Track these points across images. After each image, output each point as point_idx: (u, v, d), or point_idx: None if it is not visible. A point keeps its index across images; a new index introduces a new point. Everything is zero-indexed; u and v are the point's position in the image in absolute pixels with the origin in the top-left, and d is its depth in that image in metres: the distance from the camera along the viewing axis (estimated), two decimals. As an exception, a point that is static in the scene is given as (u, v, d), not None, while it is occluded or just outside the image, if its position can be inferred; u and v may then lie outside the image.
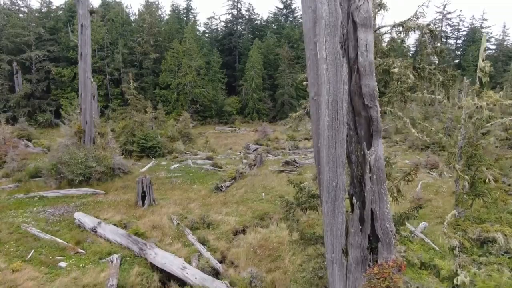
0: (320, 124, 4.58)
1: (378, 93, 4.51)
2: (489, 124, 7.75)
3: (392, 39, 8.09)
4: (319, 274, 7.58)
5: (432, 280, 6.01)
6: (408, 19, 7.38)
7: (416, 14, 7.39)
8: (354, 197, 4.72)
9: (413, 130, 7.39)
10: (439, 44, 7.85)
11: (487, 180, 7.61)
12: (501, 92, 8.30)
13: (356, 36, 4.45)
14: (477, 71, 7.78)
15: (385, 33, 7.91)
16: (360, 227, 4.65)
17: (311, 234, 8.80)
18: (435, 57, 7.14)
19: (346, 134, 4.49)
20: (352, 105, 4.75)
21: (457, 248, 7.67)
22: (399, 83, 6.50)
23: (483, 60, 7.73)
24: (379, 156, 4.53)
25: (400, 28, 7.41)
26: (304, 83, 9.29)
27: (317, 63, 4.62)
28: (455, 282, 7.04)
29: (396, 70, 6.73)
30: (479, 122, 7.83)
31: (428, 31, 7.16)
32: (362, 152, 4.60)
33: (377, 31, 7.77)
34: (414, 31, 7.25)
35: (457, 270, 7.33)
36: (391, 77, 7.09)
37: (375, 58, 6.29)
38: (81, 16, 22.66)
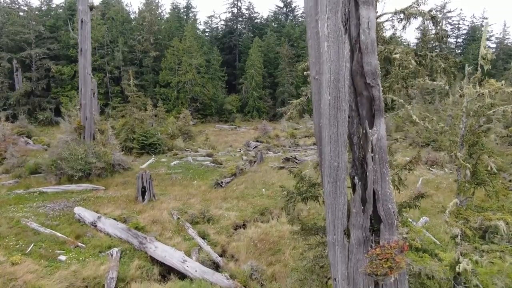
0: (322, 103, 4.54)
1: (380, 72, 4.48)
2: (491, 111, 7.71)
3: (393, 27, 8.02)
4: (320, 263, 7.53)
5: (435, 263, 5.98)
6: (410, 6, 7.34)
7: (417, 0, 7.35)
8: (356, 177, 4.67)
9: (414, 117, 7.35)
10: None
11: (489, 168, 7.57)
12: (503, 81, 8.26)
13: (358, 15, 4.40)
14: (479, 58, 7.74)
15: (386, 20, 7.85)
16: (362, 207, 4.61)
17: (312, 225, 8.76)
18: (437, 43, 7.10)
19: (348, 113, 4.44)
20: (354, 85, 4.70)
21: (459, 237, 7.63)
22: (400, 68, 6.46)
23: (484, 48, 7.69)
24: (381, 136, 4.49)
25: (402, 15, 7.36)
26: (306, 72, 9.25)
27: (318, 41, 4.58)
28: (457, 269, 6.99)
29: (397, 55, 6.68)
30: (481, 110, 7.78)
31: (430, 17, 7.11)
32: (364, 131, 4.55)
33: (378, 19, 7.72)
34: (416, 17, 7.20)
35: (459, 258, 7.29)
36: (392, 63, 7.04)
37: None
38: (81, 11, 22.61)
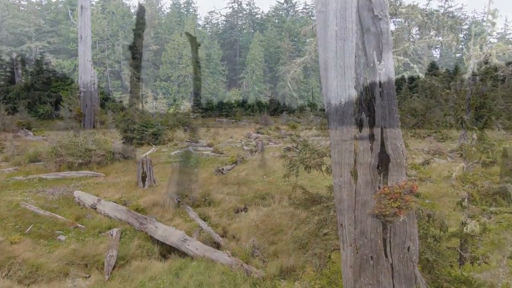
0: (328, 36, 4.37)
1: (388, 4, 4.31)
2: (498, 72, 7.53)
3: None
4: (324, 229, 7.37)
5: (445, 210, 5.82)
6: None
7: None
8: (363, 113, 4.48)
9: (421, 75, 7.18)
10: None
11: (496, 129, 7.39)
12: (510, 45, 8.07)
13: None
14: (486, 14, 7.56)
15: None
16: (370, 144, 4.43)
17: (315, 193, 8.60)
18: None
19: (355, 43, 4.27)
20: (360, 23, 4.54)
21: (466, 200, 7.46)
22: (407, 22, 6.29)
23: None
24: (389, 70, 4.32)
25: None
26: (308, 40, 9.07)
27: (324, -30, 4.43)
28: (464, 230, 6.82)
29: (404, 10, 6.51)
30: (489, 71, 7.60)
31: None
32: (372, 65, 4.38)
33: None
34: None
35: (466, 221, 7.12)
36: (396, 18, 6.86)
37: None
38: (81, -3, 22.46)
